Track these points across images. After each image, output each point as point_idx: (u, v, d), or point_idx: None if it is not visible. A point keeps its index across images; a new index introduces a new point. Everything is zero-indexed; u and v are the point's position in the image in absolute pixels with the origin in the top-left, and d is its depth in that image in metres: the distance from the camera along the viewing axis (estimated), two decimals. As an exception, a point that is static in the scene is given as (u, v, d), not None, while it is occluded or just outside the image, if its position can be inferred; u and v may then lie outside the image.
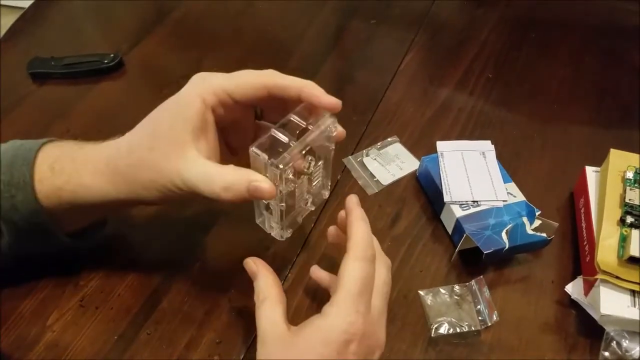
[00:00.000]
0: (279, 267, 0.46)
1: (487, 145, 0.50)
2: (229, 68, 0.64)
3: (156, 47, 0.67)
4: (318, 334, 0.34)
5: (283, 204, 0.38)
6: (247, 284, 0.45)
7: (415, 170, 0.53)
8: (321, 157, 0.40)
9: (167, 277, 0.45)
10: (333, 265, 0.46)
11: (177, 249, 0.47)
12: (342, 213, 0.41)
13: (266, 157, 0.35)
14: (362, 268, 0.35)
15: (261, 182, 0.35)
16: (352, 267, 0.35)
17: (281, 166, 0.35)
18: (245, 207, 0.50)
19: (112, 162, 0.38)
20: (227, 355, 0.41)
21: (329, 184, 0.43)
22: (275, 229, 0.40)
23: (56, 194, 0.38)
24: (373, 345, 0.35)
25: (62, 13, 0.73)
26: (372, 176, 0.53)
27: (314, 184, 0.41)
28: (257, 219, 0.41)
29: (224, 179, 0.35)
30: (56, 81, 0.62)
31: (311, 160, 0.38)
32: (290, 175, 0.37)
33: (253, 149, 0.35)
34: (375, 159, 0.54)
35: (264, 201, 0.39)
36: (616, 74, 0.66)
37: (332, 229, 0.42)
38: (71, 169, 0.39)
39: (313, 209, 0.42)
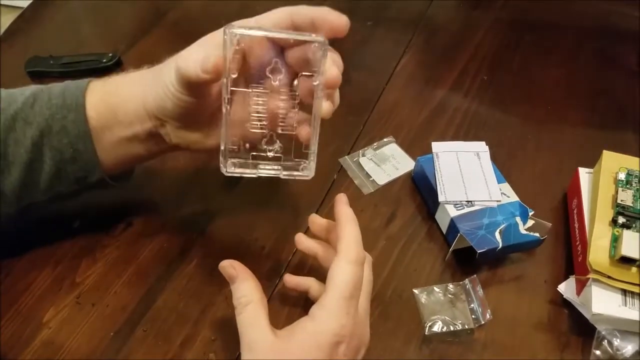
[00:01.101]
0: (273, 267, 0.47)
1: (481, 146, 0.51)
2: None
3: (154, 47, 0.68)
4: (310, 339, 0.34)
5: (227, 96, 0.35)
6: (242, 282, 0.45)
7: (411, 171, 0.54)
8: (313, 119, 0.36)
9: (163, 275, 0.45)
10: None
11: (173, 247, 0.47)
12: (315, 218, 0.42)
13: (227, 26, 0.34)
14: (354, 271, 0.35)
15: (211, 54, 0.35)
16: (344, 270, 0.35)
17: (234, 31, 0.33)
18: (241, 207, 0.51)
19: (149, 70, 0.41)
20: (222, 352, 0.41)
21: (314, 160, 0.37)
22: (222, 151, 0.36)
23: (103, 103, 0.40)
24: (359, 345, 0.36)
25: (61, 13, 0.73)
26: (368, 176, 0.53)
27: (281, 118, 0.37)
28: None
29: (188, 54, 0.37)
30: (54, 80, 0.62)
31: (281, 78, 0.36)
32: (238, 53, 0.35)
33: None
34: (371, 159, 0.55)
35: (225, 106, 0.36)
36: (610, 76, 0.66)
37: (302, 239, 0.42)
38: (114, 82, 0.41)
39: (283, 176, 0.37)
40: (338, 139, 0.57)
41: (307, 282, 0.42)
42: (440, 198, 0.47)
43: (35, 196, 0.42)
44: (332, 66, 0.36)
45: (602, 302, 0.41)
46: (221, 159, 0.36)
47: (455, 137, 0.58)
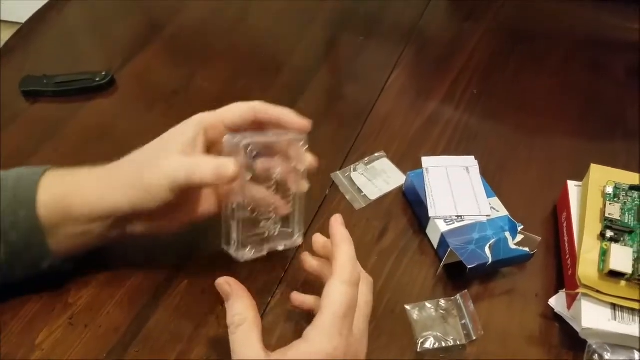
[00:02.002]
0: (266, 285, 0.47)
1: (470, 161, 0.51)
2: (220, 84, 0.66)
3: (148, 64, 0.68)
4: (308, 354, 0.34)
5: (240, 201, 0.41)
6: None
7: (402, 185, 0.54)
8: (295, 196, 0.44)
9: (155, 295, 0.45)
10: (320, 280, 0.47)
11: (165, 267, 0.47)
12: (318, 238, 0.42)
13: (230, 137, 0.40)
14: (347, 292, 0.35)
15: (227, 161, 0.39)
16: (338, 291, 0.35)
17: (243, 141, 0.39)
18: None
19: (112, 169, 0.42)
20: (214, 372, 0.42)
21: (302, 228, 0.45)
22: (233, 244, 0.42)
23: (57, 202, 0.41)
24: None
25: (56, 30, 0.74)
26: (360, 191, 0.54)
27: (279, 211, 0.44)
28: (222, 242, 0.43)
29: (195, 163, 0.40)
30: (48, 99, 0.63)
31: (277, 175, 0.44)
32: (252, 160, 0.41)
33: (224, 137, 0.40)
34: (362, 174, 0.55)
35: (231, 206, 0.41)
36: (600, 86, 0.66)
37: (308, 259, 0.43)
38: (73, 180, 0.42)
39: (281, 249, 0.45)
40: (330, 154, 0.58)
41: (312, 301, 0.42)
42: (431, 213, 0.47)
43: None
44: (309, 155, 0.43)
45: (592, 317, 0.41)
46: (233, 252, 0.43)
47: (446, 149, 0.58)
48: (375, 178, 0.55)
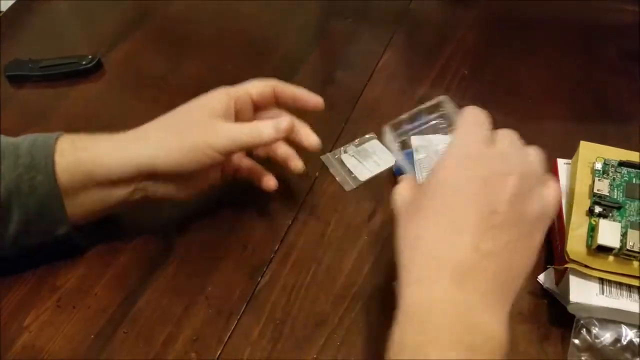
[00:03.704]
0: (256, 265, 0.47)
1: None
2: (208, 69, 0.65)
3: (135, 49, 0.68)
4: (437, 165, 0.34)
5: None
6: (222, 284, 0.45)
7: (392, 166, 0.54)
8: None
9: (144, 276, 0.45)
10: (310, 260, 0.47)
11: (154, 249, 0.47)
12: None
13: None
14: (468, 110, 0.36)
15: (272, 124, 0.44)
16: (462, 114, 0.36)
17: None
18: (222, 207, 0.51)
19: (140, 132, 0.43)
20: (204, 352, 0.41)
21: None
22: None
23: (78, 166, 0.41)
24: (501, 170, 0.33)
25: (41, 16, 0.73)
26: (350, 172, 0.54)
27: None
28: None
29: (249, 126, 0.44)
30: (34, 84, 0.62)
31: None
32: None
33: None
34: (353, 156, 0.55)
35: None
36: (592, 70, 0.66)
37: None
38: (94, 144, 0.42)
39: None
40: (320, 137, 0.57)
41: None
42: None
43: (1, 248, 0.42)
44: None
45: (580, 291, 0.41)
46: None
47: (436, 133, 0.58)
48: (366, 160, 0.55)
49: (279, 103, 0.49)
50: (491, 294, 0.31)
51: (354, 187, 0.53)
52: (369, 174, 0.54)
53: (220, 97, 0.44)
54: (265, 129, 0.43)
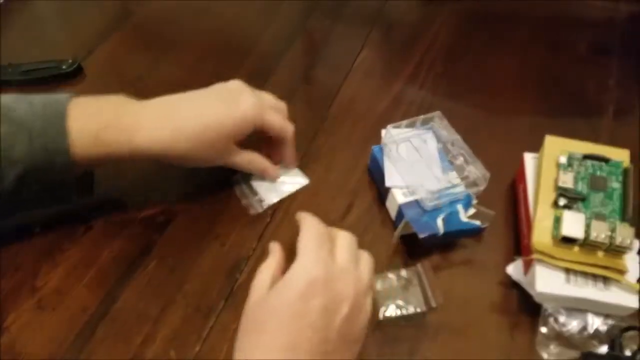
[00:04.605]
0: (234, 263, 0.48)
1: (428, 134, 0.52)
2: (186, 68, 0.66)
3: (115, 51, 0.68)
4: (283, 285, 0.36)
5: None
6: (200, 281, 0.46)
7: (367, 165, 0.55)
8: None
9: (123, 277, 0.46)
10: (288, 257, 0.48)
11: (132, 249, 0.48)
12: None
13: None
14: (314, 227, 0.39)
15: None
16: (305, 232, 0.38)
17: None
18: (200, 206, 0.52)
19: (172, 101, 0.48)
20: (183, 349, 0.42)
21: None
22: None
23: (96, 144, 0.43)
24: (339, 294, 0.36)
25: (21, 19, 0.73)
26: (255, 194, 0.52)
27: None
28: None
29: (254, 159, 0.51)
30: (14, 89, 0.62)
31: None
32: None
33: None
34: (264, 181, 0.53)
35: None
36: (562, 63, 0.68)
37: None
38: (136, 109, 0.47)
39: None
40: (297, 136, 0.58)
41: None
42: (387, 183, 0.49)
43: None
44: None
45: (546, 281, 0.43)
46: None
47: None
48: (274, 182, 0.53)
49: (268, 136, 0.51)
50: None
51: (260, 211, 0.51)
52: (277, 197, 0.52)
53: (247, 121, 0.47)
54: (272, 174, 0.52)
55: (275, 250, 0.41)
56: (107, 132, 0.43)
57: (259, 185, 0.53)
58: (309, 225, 0.39)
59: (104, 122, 0.43)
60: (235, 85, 0.49)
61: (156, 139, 0.45)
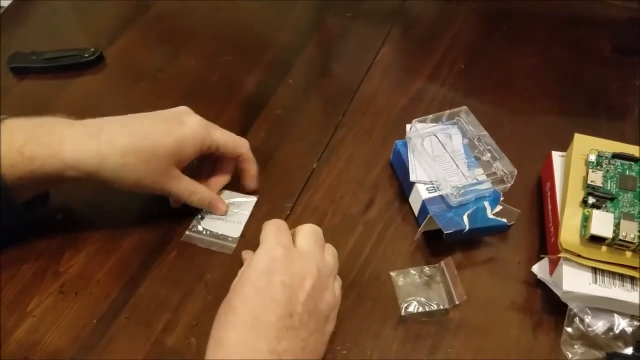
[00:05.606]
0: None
1: (454, 129, 0.52)
2: (204, 60, 0.66)
3: (135, 42, 0.68)
4: (247, 266, 0.38)
5: None
6: (221, 270, 0.46)
7: (388, 160, 0.54)
8: None
9: (145, 264, 0.46)
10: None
11: (154, 236, 0.48)
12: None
13: None
14: (274, 222, 0.41)
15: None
16: (265, 226, 0.41)
17: None
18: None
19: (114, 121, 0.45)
20: (203, 337, 0.42)
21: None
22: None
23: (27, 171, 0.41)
24: (300, 272, 0.37)
25: (43, 11, 0.73)
26: (225, 237, 0.48)
27: None
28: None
29: (199, 190, 0.47)
30: (36, 76, 0.63)
31: None
32: None
33: None
34: (218, 219, 0.50)
35: None
36: (584, 63, 0.67)
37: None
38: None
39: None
40: (317, 129, 0.58)
41: None
42: (412, 178, 0.48)
43: None
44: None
45: (573, 280, 0.42)
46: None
47: (432, 125, 0.59)
48: (231, 216, 0.50)
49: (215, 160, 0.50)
50: None
51: (235, 246, 0.48)
52: (239, 227, 0.49)
53: (193, 138, 0.45)
54: (222, 208, 0.50)
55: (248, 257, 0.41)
56: (31, 145, 0.40)
57: (215, 226, 0.49)
58: (270, 222, 0.41)
59: (29, 136, 0.41)
60: (182, 109, 0.47)
61: (85, 151, 0.41)
